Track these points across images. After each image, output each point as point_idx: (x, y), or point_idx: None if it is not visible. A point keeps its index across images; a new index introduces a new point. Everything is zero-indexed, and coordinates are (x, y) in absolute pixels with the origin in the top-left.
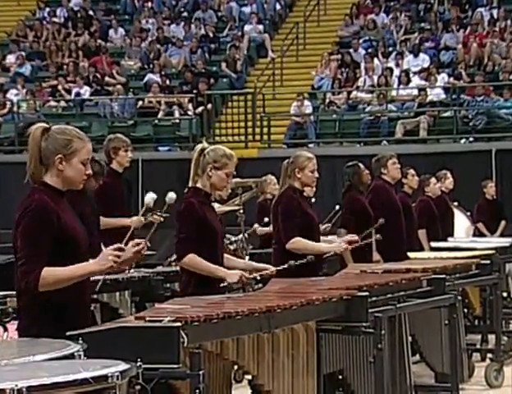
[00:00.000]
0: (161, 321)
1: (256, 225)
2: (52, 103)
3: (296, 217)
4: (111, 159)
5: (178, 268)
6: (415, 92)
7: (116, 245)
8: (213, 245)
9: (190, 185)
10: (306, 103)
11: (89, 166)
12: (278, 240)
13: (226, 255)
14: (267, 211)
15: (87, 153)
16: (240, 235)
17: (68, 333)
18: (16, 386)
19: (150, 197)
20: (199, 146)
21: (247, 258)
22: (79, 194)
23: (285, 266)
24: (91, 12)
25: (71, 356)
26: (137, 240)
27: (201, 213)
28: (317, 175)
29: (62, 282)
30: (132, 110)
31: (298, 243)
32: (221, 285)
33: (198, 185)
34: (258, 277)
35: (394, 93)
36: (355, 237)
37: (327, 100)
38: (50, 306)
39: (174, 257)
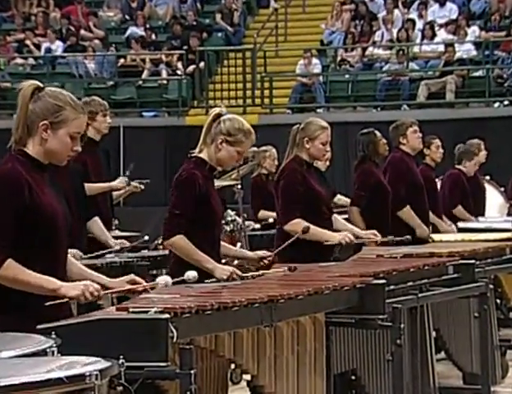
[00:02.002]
0: (146, 312)
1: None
2: (19, 61)
3: (299, 195)
4: (86, 126)
5: (167, 252)
6: (441, 48)
7: (97, 286)
8: (211, 230)
9: (196, 153)
10: (314, 61)
11: (79, 141)
12: (279, 221)
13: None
14: (262, 189)
15: (78, 126)
16: (233, 214)
17: (39, 326)
18: None
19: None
20: (215, 110)
21: (242, 241)
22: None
23: (285, 244)
24: None
25: (43, 353)
26: (134, 277)
27: (203, 189)
28: (328, 148)
29: (19, 284)
30: (112, 69)
31: (297, 225)
32: (206, 281)
33: (203, 155)
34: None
35: (416, 49)
36: (375, 236)
37: (339, 58)
38: (13, 293)
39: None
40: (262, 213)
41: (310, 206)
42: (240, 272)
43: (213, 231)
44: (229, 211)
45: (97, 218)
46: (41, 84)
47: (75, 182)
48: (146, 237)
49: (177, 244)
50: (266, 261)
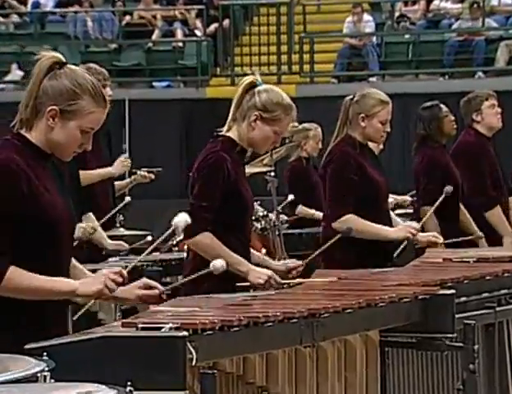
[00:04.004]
0: (159, 329)
1: (291, 196)
2: (0, 19)
3: (353, 184)
4: None
5: (183, 255)
6: None
7: (117, 269)
8: (241, 227)
9: (224, 132)
10: (366, 17)
11: (90, 138)
12: (327, 216)
13: None
14: (302, 177)
15: (94, 121)
16: (263, 211)
17: (27, 346)
18: None
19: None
20: (248, 79)
21: (276, 242)
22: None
23: (320, 250)
24: None
25: (33, 378)
26: (147, 281)
27: (233, 175)
28: (388, 128)
29: (28, 293)
30: (115, 29)
31: (351, 222)
32: (238, 285)
33: (232, 134)
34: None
35: (494, 2)
36: (437, 237)
37: (397, 13)
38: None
39: (178, 238)
40: (301, 209)
41: (366, 198)
42: (279, 278)
43: (244, 229)
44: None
45: (90, 214)
46: (63, 59)
47: (71, 170)
48: (149, 238)
49: (203, 243)
50: (295, 273)
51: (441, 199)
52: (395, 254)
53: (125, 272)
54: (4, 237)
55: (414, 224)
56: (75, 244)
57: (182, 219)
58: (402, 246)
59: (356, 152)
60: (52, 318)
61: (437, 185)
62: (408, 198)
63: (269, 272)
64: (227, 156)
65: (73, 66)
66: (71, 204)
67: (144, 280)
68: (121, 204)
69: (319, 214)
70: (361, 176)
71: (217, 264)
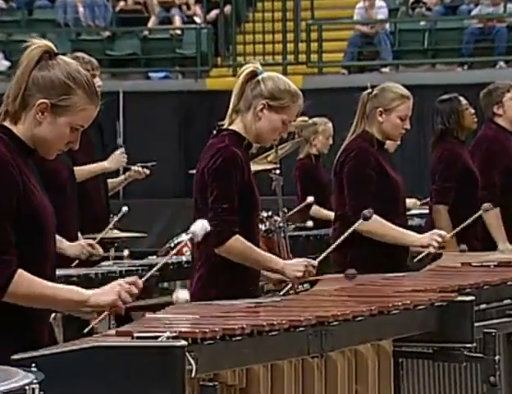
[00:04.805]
0: (156, 338)
1: (310, 198)
2: None
3: (372, 182)
4: None
5: (183, 258)
6: None
7: (133, 278)
8: (250, 223)
9: (226, 125)
10: (378, 2)
11: (79, 137)
12: (341, 217)
13: None
14: (310, 175)
15: (85, 118)
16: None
17: (14, 357)
18: None
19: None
20: (248, 67)
21: (282, 245)
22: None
23: (326, 254)
24: None
25: (21, 391)
26: (125, 280)
27: (247, 171)
28: (408, 125)
29: (35, 301)
30: (108, 15)
31: (372, 223)
32: (269, 288)
33: (236, 127)
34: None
35: None
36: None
37: None
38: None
39: (176, 240)
40: (316, 210)
41: (385, 198)
42: (315, 262)
43: (254, 228)
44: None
45: None
46: (54, 48)
47: (68, 165)
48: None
49: (236, 248)
50: (309, 272)
51: (477, 215)
52: (415, 260)
53: (140, 282)
54: (7, 236)
55: (442, 232)
56: (74, 264)
57: (200, 227)
58: (425, 253)
59: (374, 148)
60: (38, 327)
61: (454, 183)
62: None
63: (303, 261)
64: (238, 150)
65: (66, 57)
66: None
67: (127, 279)
68: (119, 216)
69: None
70: (380, 174)
71: (181, 296)
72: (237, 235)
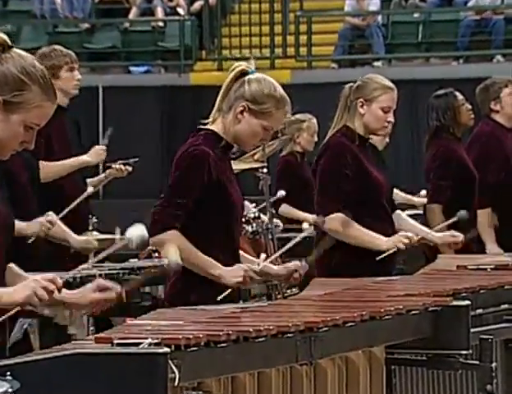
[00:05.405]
0: (138, 345)
1: (281, 192)
2: None
3: (344, 180)
4: None
5: (166, 262)
6: None
7: (50, 275)
8: (229, 229)
9: (209, 125)
10: None
11: (34, 136)
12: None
13: None
14: (294, 173)
15: (41, 116)
16: (255, 211)
17: None
18: None
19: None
20: (240, 66)
21: (269, 247)
22: None
23: (283, 250)
24: None
25: None
26: (102, 283)
27: (215, 174)
28: (391, 118)
29: None
30: (87, 6)
31: (337, 222)
32: (219, 298)
33: (217, 127)
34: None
35: None
36: (456, 236)
37: None
38: None
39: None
40: (284, 208)
41: (363, 197)
42: (256, 267)
43: (232, 232)
44: (247, 203)
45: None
46: (8, 40)
47: (31, 165)
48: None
49: (168, 242)
50: (297, 275)
51: (450, 221)
52: (377, 258)
53: (59, 279)
54: None
55: (409, 234)
56: (31, 240)
57: (137, 233)
58: (388, 252)
59: (354, 144)
60: None
61: (450, 181)
62: (415, 199)
63: (243, 266)
64: (210, 151)
65: (20, 51)
66: (4, 200)
67: (99, 281)
68: (83, 195)
69: (306, 216)
70: (357, 171)
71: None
72: (175, 231)
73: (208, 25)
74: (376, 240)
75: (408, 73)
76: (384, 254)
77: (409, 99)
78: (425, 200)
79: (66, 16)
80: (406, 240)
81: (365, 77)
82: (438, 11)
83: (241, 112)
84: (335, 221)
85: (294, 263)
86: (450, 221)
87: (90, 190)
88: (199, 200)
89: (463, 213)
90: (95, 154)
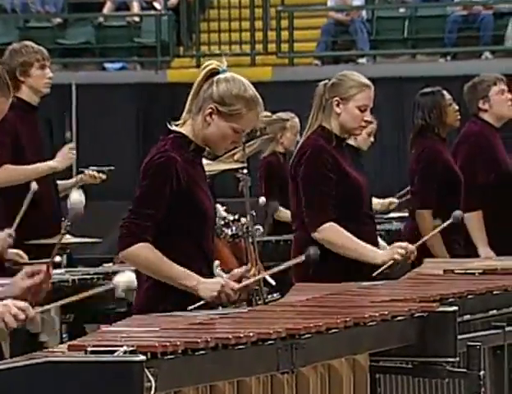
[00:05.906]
0: (112, 352)
1: (262, 199)
2: None
3: (330, 185)
4: (18, 84)
5: None
6: None
7: (24, 305)
8: (199, 236)
9: (175, 127)
10: None
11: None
12: (300, 224)
13: None
14: (277, 175)
15: None
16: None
17: None
18: None
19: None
20: (210, 64)
21: (249, 251)
22: None
23: (302, 258)
24: None
25: None
26: (29, 269)
27: (184, 180)
28: (369, 117)
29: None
30: (59, 1)
31: (330, 232)
32: (190, 308)
33: (186, 130)
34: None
35: None
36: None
37: None
38: None
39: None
40: (282, 213)
41: (344, 201)
42: (235, 285)
43: (204, 237)
44: (218, 206)
45: None
46: None
47: None
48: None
49: (138, 256)
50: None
51: (445, 224)
52: (374, 274)
53: (32, 311)
54: None
55: (403, 244)
56: None
57: (124, 279)
58: (385, 266)
59: (331, 146)
60: None
61: (435, 183)
62: (394, 200)
63: (221, 281)
64: (178, 156)
65: None
66: None
67: (26, 269)
68: (28, 195)
69: None
70: (338, 174)
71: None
72: (145, 244)
73: (185, 20)
74: (370, 252)
75: (393, 70)
76: (381, 269)
77: (395, 97)
78: (395, 200)
79: (38, 10)
80: (402, 251)
81: (340, 74)
82: (424, 6)
83: (210, 115)
84: (327, 231)
85: (223, 280)
86: (445, 224)
87: (34, 185)
88: (169, 208)
89: (457, 213)
90: (63, 159)
